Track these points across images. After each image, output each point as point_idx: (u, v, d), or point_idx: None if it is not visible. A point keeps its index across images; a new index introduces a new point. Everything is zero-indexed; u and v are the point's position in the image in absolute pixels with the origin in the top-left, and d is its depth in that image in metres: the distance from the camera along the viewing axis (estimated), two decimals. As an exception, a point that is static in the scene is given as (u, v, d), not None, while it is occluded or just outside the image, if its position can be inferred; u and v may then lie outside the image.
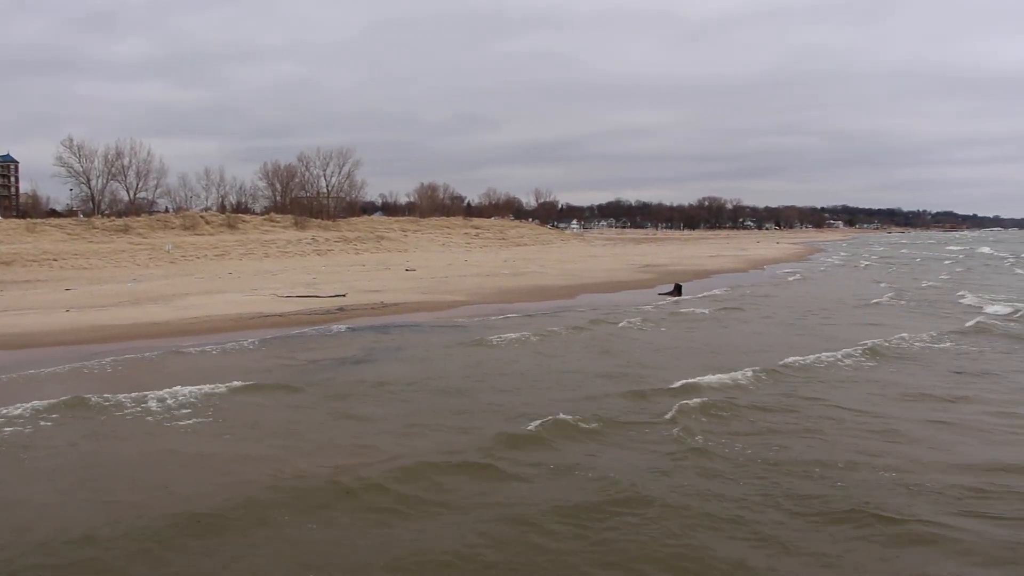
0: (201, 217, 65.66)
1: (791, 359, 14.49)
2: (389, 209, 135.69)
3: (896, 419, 10.66)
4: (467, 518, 7.27)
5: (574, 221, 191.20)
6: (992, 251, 77.00)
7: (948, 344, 16.86)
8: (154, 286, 30.33)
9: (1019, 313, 22.08)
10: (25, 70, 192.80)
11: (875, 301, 26.78)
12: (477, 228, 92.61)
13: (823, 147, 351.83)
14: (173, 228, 59.62)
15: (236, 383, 12.40)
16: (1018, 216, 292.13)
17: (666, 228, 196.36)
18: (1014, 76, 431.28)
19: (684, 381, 12.50)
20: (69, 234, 52.99)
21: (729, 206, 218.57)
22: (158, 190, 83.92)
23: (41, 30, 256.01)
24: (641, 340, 17.86)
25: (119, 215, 67.63)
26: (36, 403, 10.99)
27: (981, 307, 24.28)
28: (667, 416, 10.48)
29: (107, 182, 79.26)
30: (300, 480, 8.16)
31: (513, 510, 7.40)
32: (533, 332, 18.19)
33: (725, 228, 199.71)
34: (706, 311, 23.28)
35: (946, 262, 57.41)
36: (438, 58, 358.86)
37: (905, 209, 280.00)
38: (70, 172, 77.17)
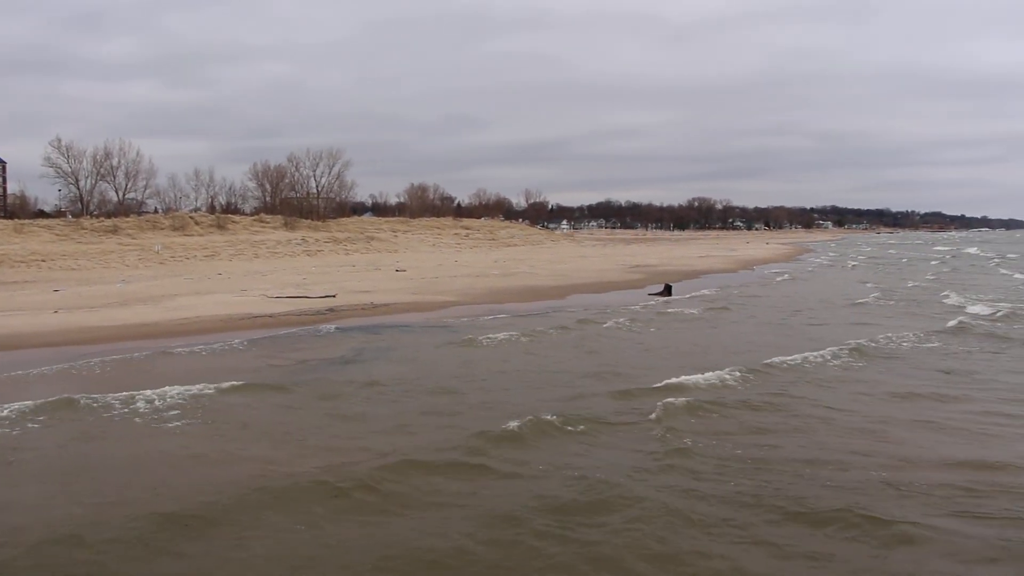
0: (191, 218, 65.39)
1: (778, 359, 14.59)
2: (379, 210, 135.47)
3: (880, 417, 10.75)
4: (456, 517, 7.31)
5: (564, 221, 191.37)
6: (979, 251, 77.64)
7: (931, 344, 17.01)
8: (143, 287, 30.23)
9: (1000, 313, 22.33)
10: (12, 70, 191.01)
11: (861, 301, 26.99)
12: (467, 228, 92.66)
13: (812, 148, 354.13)
14: (162, 229, 59.37)
15: (225, 384, 12.39)
16: (1005, 216, 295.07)
17: (656, 228, 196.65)
18: (1000, 78, 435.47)
19: (671, 380, 12.57)
20: (57, 235, 52.71)
21: (719, 207, 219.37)
22: (147, 191, 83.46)
23: (28, 30, 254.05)
24: (630, 340, 17.96)
25: (108, 216, 67.22)
26: (24, 404, 10.97)
27: (964, 307, 24.52)
28: (652, 416, 10.54)
29: (96, 183, 78.77)
30: (289, 480, 8.18)
31: (501, 509, 7.44)
32: (523, 332, 18.25)
33: (715, 228, 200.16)
34: (695, 311, 23.41)
35: (933, 262, 57.83)
36: (427, 59, 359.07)
37: (894, 210, 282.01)
38: (58, 173, 76.64)
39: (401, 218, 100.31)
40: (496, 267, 44.41)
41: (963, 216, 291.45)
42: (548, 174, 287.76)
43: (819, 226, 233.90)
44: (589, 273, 40.63)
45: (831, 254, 76.00)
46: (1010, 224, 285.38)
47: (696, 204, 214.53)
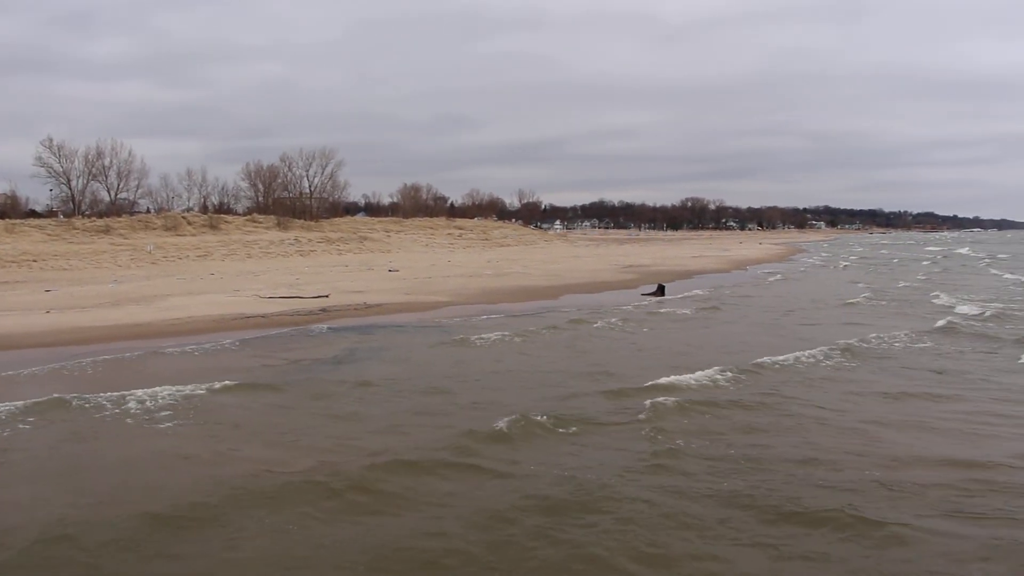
0: (183, 218, 65.18)
1: (770, 358, 14.63)
2: (372, 210, 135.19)
3: (872, 417, 10.79)
4: (448, 517, 7.32)
5: (557, 222, 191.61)
6: (970, 252, 77.97)
7: (923, 344, 17.09)
8: (135, 287, 30.14)
9: (987, 313, 22.46)
10: (3, 69, 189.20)
11: (852, 301, 27.07)
12: (460, 229, 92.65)
13: (805, 148, 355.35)
14: (155, 229, 59.15)
15: (217, 383, 12.38)
16: (997, 217, 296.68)
17: (649, 229, 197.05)
18: (993, 79, 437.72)
19: (662, 380, 12.60)
20: (49, 235, 52.46)
21: (712, 207, 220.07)
22: (139, 191, 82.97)
23: (18, 29, 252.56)
24: (623, 340, 17.99)
25: (100, 216, 66.88)
26: (15, 405, 10.94)
27: (953, 307, 24.65)
28: (643, 416, 10.57)
29: (88, 182, 78.25)
30: (282, 479, 8.18)
31: (493, 509, 7.46)
32: (515, 332, 18.27)
33: (708, 229, 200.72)
34: (688, 311, 23.47)
35: (924, 263, 58.07)
36: (420, 59, 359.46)
37: (886, 210, 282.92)
38: (50, 172, 76.11)
39: (394, 218, 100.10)
40: (489, 267, 44.42)
41: (955, 216, 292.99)
42: (542, 174, 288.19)
43: (812, 226, 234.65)
44: (582, 273, 40.67)
45: (823, 254, 76.23)
46: (1002, 224, 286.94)
47: (689, 204, 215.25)
